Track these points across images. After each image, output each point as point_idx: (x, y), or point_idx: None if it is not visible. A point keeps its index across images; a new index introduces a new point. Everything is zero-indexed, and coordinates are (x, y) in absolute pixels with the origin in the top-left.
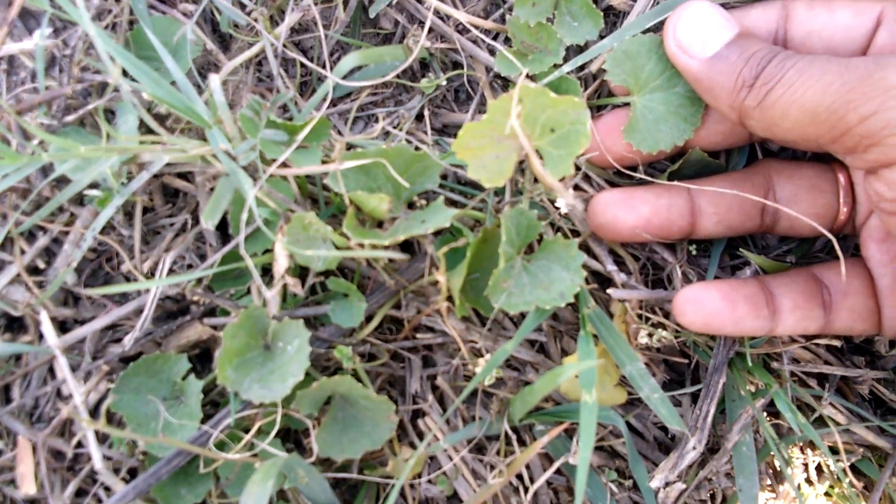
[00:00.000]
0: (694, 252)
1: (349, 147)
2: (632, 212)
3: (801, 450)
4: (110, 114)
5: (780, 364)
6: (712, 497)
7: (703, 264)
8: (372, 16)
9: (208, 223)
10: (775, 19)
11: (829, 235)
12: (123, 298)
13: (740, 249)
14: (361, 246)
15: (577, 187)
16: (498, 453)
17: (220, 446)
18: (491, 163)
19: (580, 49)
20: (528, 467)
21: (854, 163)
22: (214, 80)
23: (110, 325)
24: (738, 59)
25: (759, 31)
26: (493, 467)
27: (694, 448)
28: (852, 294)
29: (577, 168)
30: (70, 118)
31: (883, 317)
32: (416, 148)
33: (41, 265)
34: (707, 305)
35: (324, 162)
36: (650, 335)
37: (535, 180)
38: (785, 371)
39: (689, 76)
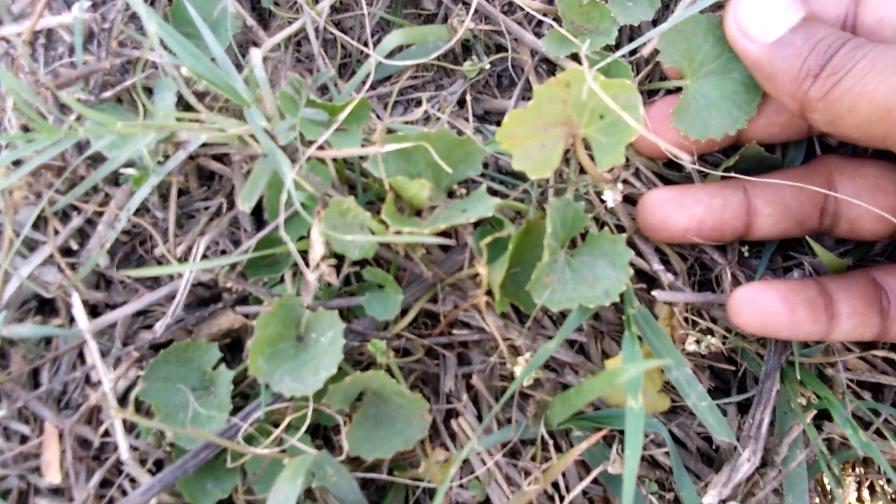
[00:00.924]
0: (746, 253)
1: (389, 131)
2: (684, 212)
3: (853, 466)
4: (148, 91)
5: (835, 372)
6: None
7: (754, 265)
8: None
9: (245, 205)
10: (846, 3)
11: None
12: (155, 283)
13: (791, 252)
14: (400, 234)
15: (625, 182)
16: (533, 458)
17: (249, 440)
18: (536, 152)
19: (633, 30)
20: (563, 475)
21: None
22: (256, 55)
23: (142, 311)
24: (803, 46)
25: (827, 14)
26: (527, 473)
27: (748, 460)
28: None
29: (627, 161)
30: (107, 94)
31: None
32: (459, 133)
33: (74, 246)
34: (765, 307)
35: (363, 145)
36: (698, 341)
37: (581, 171)
38: (841, 380)
39: (748, 62)
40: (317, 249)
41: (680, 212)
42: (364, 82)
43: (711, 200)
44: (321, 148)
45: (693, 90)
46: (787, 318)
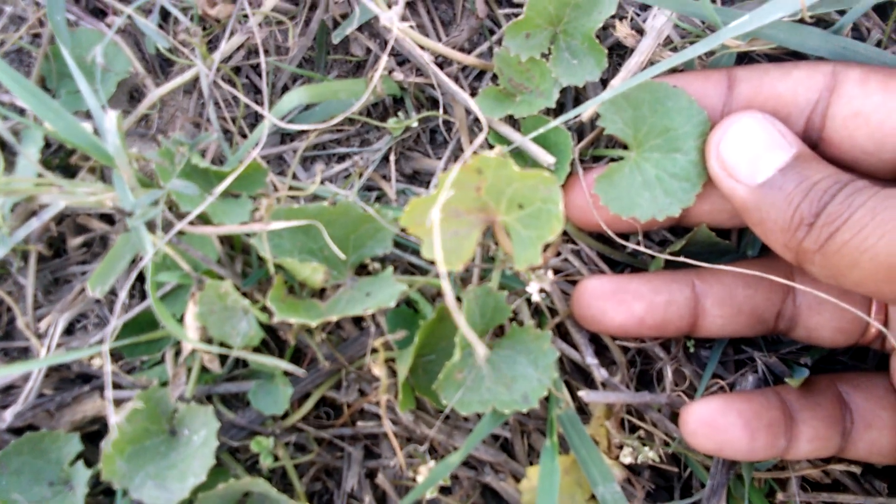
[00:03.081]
0: (692, 349)
1: (305, 194)
2: (623, 308)
3: None
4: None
5: (787, 494)
6: None
7: (703, 356)
8: (336, 42)
9: (95, 290)
10: (819, 88)
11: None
12: (23, 354)
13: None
14: (288, 324)
15: (564, 259)
16: None
17: None
18: (448, 241)
19: (578, 91)
20: None
21: None
22: (110, 118)
23: (4, 387)
24: (795, 190)
25: (797, 98)
26: None
27: None
28: (877, 427)
29: (566, 235)
30: None
31: None
32: (380, 198)
33: None
34: (724, 433)
35: (253, 217)
36: (634, 452)
37: None
38: (795, 503)
39: (735, 204)
40: (191, 337)
41: (618, 308)
42: (290, 135)
43: (654, 297)
44: (199, 221)
45: (633, 164)
46: (746, 445)
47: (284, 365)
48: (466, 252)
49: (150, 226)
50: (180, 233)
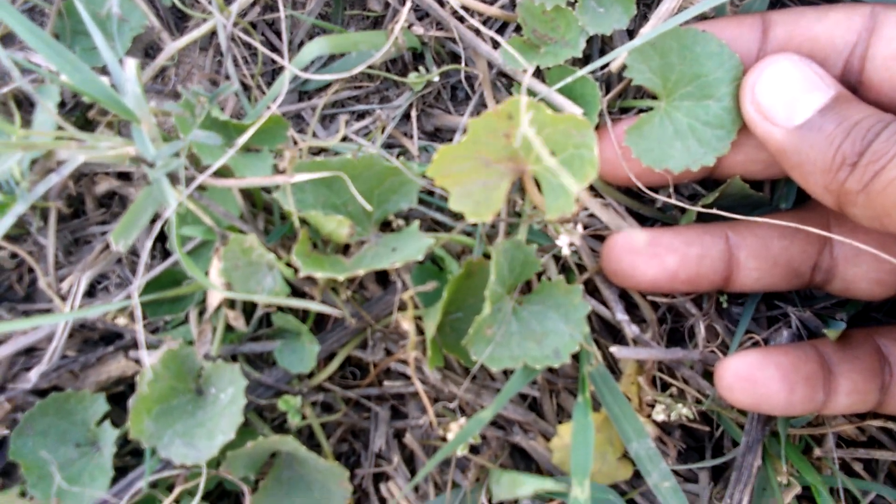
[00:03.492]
0: (724, 304)
1: (318, 151)
2: (655, 262)
3: None
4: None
5: (823, 452)
6: None
7: (735, 314)
8: None
9: (119, 244)
10: (857, 30)
11: None
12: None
13: (776, 300)
14: (311, 279)
15: (591, 215)
16: None
17: None
18: (477, 192)
19: (605, 40)
20: None
21: None
22: (130, 65)
23: (29, 349)
24: (836, 130)
25: (834, 41)
26: None
27: None
28: None
29: (594, 191)
30: None
31: None
32: (401, 154)
33: None
34: (762, 387)
35: (276, 171)
36: (667, 410)
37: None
38: (831, 459)
39: (772, 149)
40: (213, 296)
41: (650, 261)
42: (308, 93)
43: (687, 250)
44: (220, 174)
45: (663, 113)
46: (785, 399)
47: (315, 307)
48: (496, 203)
49: (173, 179)
50: (202, 188)
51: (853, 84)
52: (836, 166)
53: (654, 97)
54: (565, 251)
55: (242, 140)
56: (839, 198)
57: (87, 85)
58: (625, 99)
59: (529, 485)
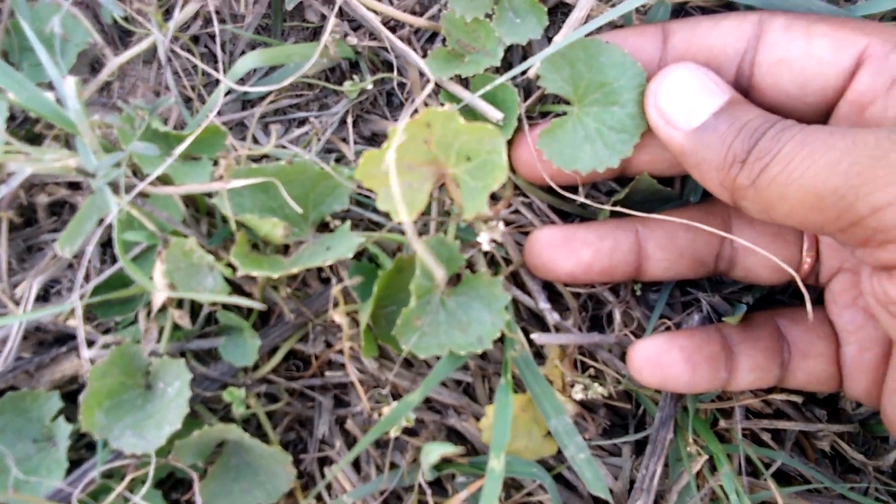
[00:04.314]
0: (639, 292)
1: (259, 158)
2: (571, 256)
3: None
4: None
5: (731, 421)
6: None
7: (651, 299)
8: (289, 8)
9: (65, 250)
10: (747, 38)
11: (806, 296)
12: None
13: (689, 287)
14: (253, 279)
15: (516, 212)
16: None
17: (88, 501)
18: (402, 193)
19: (525, 49)
20: None
21: (864, 257)
22: (69, 83)
23: None
24: (727, 130)
25: (726, 49)
26: None
27: None
28: (813, 356)
29: (517, 188)
30: None
31: (845, 383)
32: (339, 159)
33: None
34: (667, 367)
35: (213, 178)
36: (585, 389)
37: None
38: (737, 430)
39: (673, 150)
40: (158, 295)
41: (567, 256)
42: (251, 101)
43: (600, 244)
44: (162, 182)
45: (576, 119)
46: (688, 377)
47: (249, 303)
48: (420, 203)
49: (115, 188)
50: (144, 195)
51: (745, 88)
52: (728, 164)
53: (568, 103)
54: (485, 247)
55: (180, 149)
56: (732, 193)
57: (31, 101)
58: (544, 104)
59: (435, 451)
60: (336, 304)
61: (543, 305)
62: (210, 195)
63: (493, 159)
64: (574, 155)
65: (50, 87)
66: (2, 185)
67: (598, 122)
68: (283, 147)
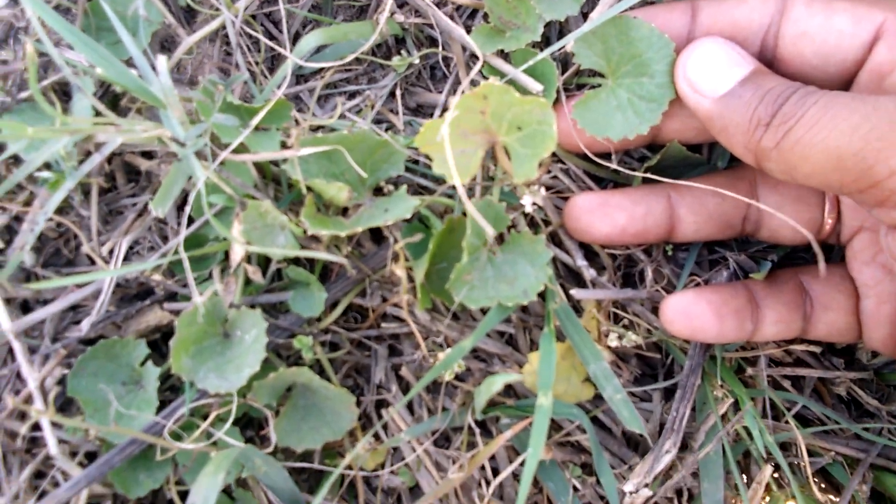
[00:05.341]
0: (670, 252)
1: (317, 128)
2: (607, 220)
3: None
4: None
5: (755, 369)
6: (678, 494)
7: (681, 259)
8: None
9: (158, 211)
10: (770, 13)
11: (819, 254)
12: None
13: (717, 247)
14: (316, 238)
15: (555, 177)
16: (462, 446)
17: (180, 432)
18: (456, 157)
19: (562, 24)
20: (494, 458)
21: (881, 216)
22: (162, 62)
23: (73, 306)
24: (752, 97)
25: (751, 24)
26: (456, 460)
27: (668, 452)
28: (834, 309)
29: (556, 157)
30: (25, 94)
31: (864, 334)
32: (388, 129)
33: (1, 245)
34: (696, 319)
35: (283, 146)
36: (619, 337)
37: None
38: (761, 376)
39: (701, 116)
40: (237, 251)
41: (603, 220)
42: (285, 79)
43: (634, 208)
44: (237, 151)
45: (609, 90)
46: (716, 329)
47: (323, 256)
48: (472, 168)
49: (199, 155)
50: (221, 162)
51: (769, 60)
52: (753, 127)
53: (602, 76)
54: (528, 209)
55: (256, 120)
56: (756, 155)
57: (120, 77)
58: (580, 76)
59: (499, 381)
60: (396, 259)
61: (581, 263)
62: (278, 163)
63: (544, 129)
64: (606, 123)
65: (129, 64)
66: (95, 153)
67: (629, 93)
68: (341, 118)
